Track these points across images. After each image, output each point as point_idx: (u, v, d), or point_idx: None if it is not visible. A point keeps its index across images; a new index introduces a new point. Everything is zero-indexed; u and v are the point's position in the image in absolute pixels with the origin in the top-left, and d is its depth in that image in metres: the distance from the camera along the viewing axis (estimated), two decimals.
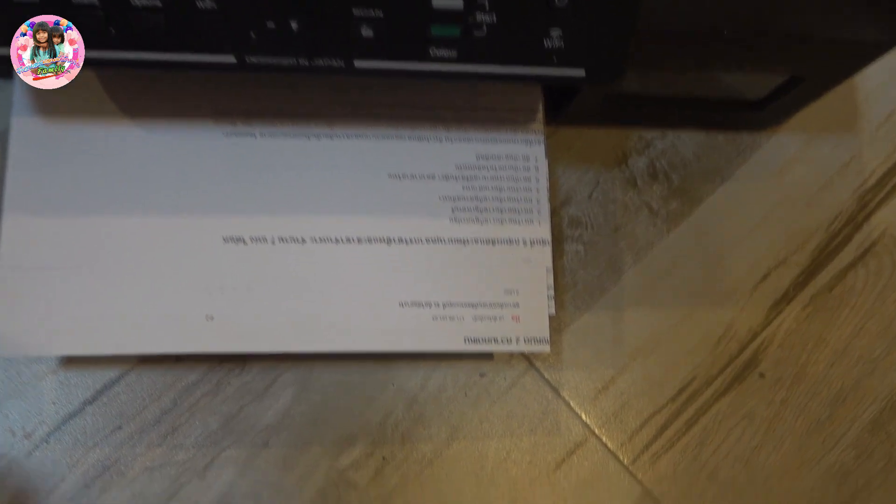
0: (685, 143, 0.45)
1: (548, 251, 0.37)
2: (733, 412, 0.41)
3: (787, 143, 0.46)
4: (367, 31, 0.30)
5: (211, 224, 0.35)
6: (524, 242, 0.37)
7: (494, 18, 0.30)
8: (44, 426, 0.36)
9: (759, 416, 0.41)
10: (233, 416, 0.37)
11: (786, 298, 0.43)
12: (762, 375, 0.41)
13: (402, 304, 0.36)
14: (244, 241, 0.35)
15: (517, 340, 0.36)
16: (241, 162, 0.36)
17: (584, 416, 0.39)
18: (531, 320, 0.36)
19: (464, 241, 0.37)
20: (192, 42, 0.30)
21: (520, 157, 0.38)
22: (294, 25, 0.29)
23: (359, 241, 0.36)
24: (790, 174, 0.45)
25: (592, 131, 0.44)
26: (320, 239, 0.36)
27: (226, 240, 0.35)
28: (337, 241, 0.36)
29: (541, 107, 0.39)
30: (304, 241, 0.36)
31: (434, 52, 0.31)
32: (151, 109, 0.36)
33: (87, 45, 0.30)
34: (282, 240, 0.35)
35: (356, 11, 0.29)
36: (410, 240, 0.36)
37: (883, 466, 0.41)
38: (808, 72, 0.37)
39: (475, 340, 0.36)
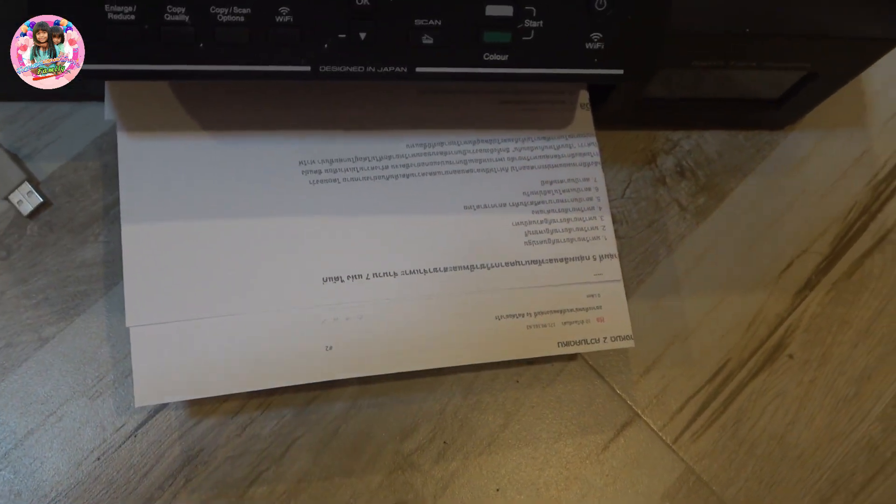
0: (709, 142, 0.47)
1: (616, 263, 0.40)
2: (766, 391, 0.43)
3: (802, 139, 0.48)
4: (427, 39, 0.33)
5: (309, 266, 0.38)
6: (594, 258, 0.40)
7: (541, 24, 0.33)
8: (133, 421, 0.38)
9: (791, 395, 0.43)
10: (306, 407, 0.40)
11: (809, 285, 0.45)
12: (791, 357, 0.44)
13: (497, 318, 0.39)
14: (342, 280, 0.38)
15: (604, 339, 0.39)
16: (327, 206, 0.39)
17: (627, 399, 0.42)
18: (615, 320, 0.39)
19: (539, 262, 0.40)
20: (271, 53, 0.33)
21: (580, 179, 0.41)
22: (362, 36, 0.32)
23: (444, 269, 0.39)
24: (807, 168, 0.48)
25: (623, 134, 0.47)
26: (410, 271, 0.38)
27: (325, 280, 0.38)
28: (425, 272, 0.39)
29: (591, 122, 0.42)
30: (395, 274, 0.38)
31: (487, 56, 0.34)
32: (247, 173, 0.39)
33: (178, 61, 0.32)
34: (375, 275, 0.38)
35: (417, 21, 0.32)
36: (491, 265, 0.39)
37: None
38: (821, 68, 0.40)
39: (567, 343, 0.39)
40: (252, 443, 0.39)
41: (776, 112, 0.46)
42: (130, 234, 0.37)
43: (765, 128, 0.48)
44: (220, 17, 0.31)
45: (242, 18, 0.31)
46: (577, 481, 0.41)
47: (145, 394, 0.35)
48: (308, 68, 0.33)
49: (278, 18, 0.32)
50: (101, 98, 0.39)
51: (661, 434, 0.42)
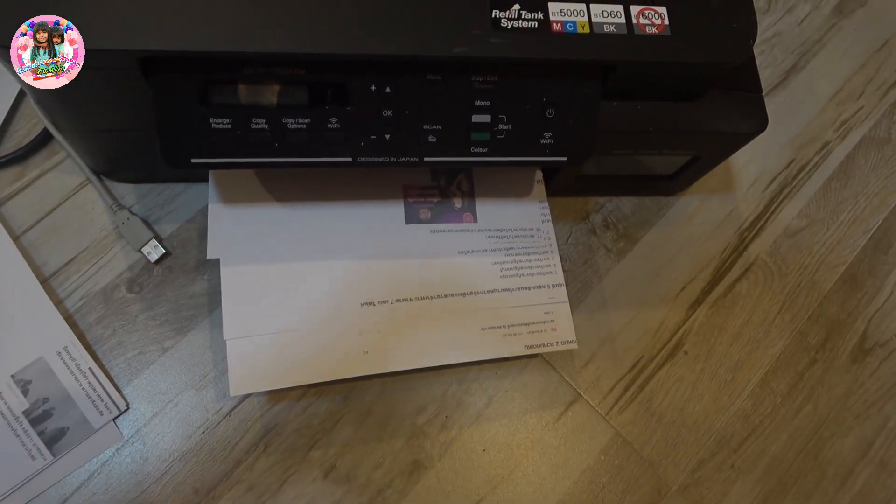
0: (625, 204, 0.58)
1: (563, 289, 0.50)
2: (669, 377, 0.54)
3: (689, 201, 0.59)
4: (432, 138, 0.41)
5: (350, 295, 0.48)
6: (548, 286, 0.51)
7: (510, 127, 0.41)
8: (227, 405, 0.50)
9: (686, 380, 0.54)
10: (348, 394, 0.51)
11: (697, 302, 0.57)
12: (686, 353, 0.55)
13: (483, 329, 0.48)
14: (374, 304, 0.48)
15: (556, 343, 0.49)
16: (362, 253, 0.48)
17: (573, 384, 0.53)
18: (563, 330, 0.50)
19: (511, 290, 0.50)
20: (324, 149, 0.40)
21: (538, 233, 0.53)
22: (387, 136, 0.41)
23: (445, 296, 0.48)
24: (693, 221, 0.59)
25: (566, 199, 0.58)
26: (420, 298, 0.48)
27: (362, 304, 0.48)
28: (431, 298, 0.48)
29: (544, 192, 0.53)
30: (410, 300, 0.48)
31: (473, 149, 0.42)
32: (305, 230, 0.48)
33: (260, 156, 0.39)
34: (397, 301, 0.48)
35: (425, 126, 0.41)
36: (477, 292, 0.49)
37: (770, 410, 0.55)
38: (703, 153, 0.50)
39: (531, 346, 0.49)
40: (311, 419, 0.50)
41: (671, 183, 0.56)
42: (227, 274, 0.48)
43: (663, 194, 0.59)
44: (289, 126, 0.39)
45: (304, 126, 0.40)
46: (539, 443, 0.51)
47: (237, 386, 0.45)
48: (350, 159, 0.41)
49: (329, 126, 0.40)
50: (205, 180, 0.50)
51: (597, 409, 0.52)
